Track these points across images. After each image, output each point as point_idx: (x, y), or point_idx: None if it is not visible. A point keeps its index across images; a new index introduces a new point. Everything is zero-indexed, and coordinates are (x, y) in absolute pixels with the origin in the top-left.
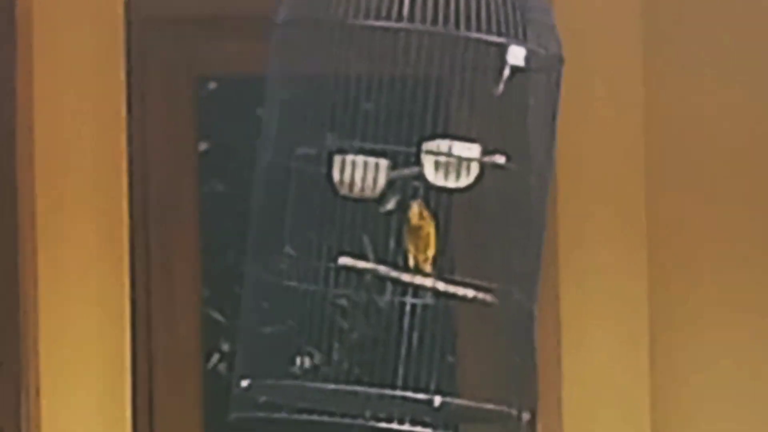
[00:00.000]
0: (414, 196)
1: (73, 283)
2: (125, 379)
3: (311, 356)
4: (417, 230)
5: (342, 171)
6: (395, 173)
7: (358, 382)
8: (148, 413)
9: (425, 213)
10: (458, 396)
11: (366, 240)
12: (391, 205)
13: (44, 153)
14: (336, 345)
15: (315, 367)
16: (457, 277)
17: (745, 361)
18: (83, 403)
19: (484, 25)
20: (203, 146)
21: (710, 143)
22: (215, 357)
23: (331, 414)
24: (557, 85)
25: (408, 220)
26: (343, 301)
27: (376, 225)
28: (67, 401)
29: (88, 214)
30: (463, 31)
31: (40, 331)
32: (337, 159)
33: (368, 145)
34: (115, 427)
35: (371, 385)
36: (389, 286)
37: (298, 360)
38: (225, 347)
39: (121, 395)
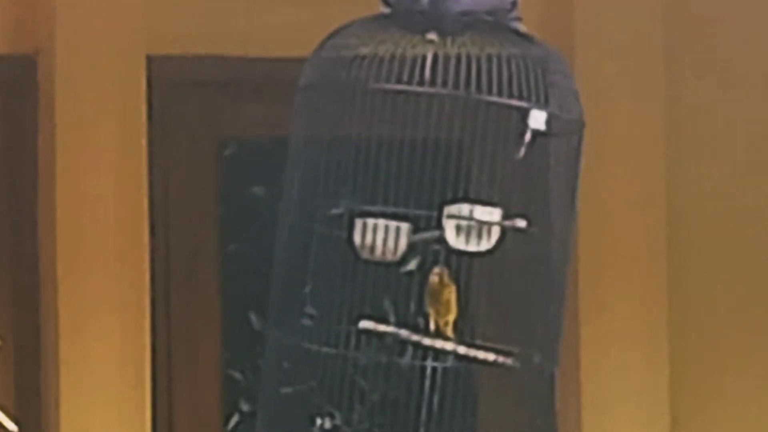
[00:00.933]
0: (435, 261)
1: (95, 345)
2: None
3: (332, 417)
4: (438, 294)
5: (363, 234)
6: (416, 237)
7: None
8: None
9: (446, 278)
10: None
11: (387, 303)
12: (411, 267)
13: (67, 215)
14: (357, 406)
15: (335, 428)
16: (478, 341)
17: None
18: None
19: (505, 89)
20: (224, 208)
21: (733, 201)
22: (235, 417)
23: None
24: (578, 148)
25: (429, 285)
26: (364, 361)
27: (397, 288)
28: None
29: (110, 276)
30: (484, 95)
31: (61, 393)
32: (359, 222)
33: (390, 209)
34: None
35: None
36: (410, 349)
37: (318, 420)
38: (245, 407)
39: None
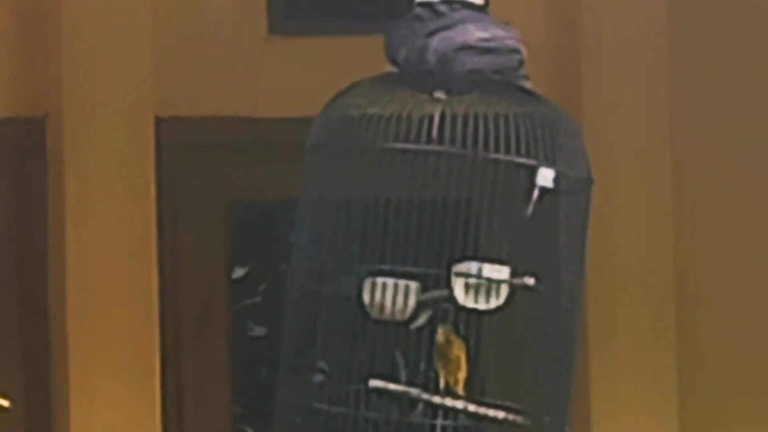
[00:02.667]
0: (444, 319)
1: (106, 406)
2: None
3: None
4: (446, 353)
5: (372, 294)
6: (425, 295)
7: None
8: None
9: (452, 336)
10: None
11: (398, 360)
12: (422, 322)
13: (76, 278)
14: None
15: None
16: (488, 399)
17: None
18: None
19: (513, 147)
20: (238, 273)
21: (740, 262)
22: None
23: None
24: (586, 206)
25: (436, 343)
26: (375, 415)
27: (407, 347)
28: None
29: (120, 335)
30: (492, 153)
31: None
32: (368, 282)
33: (398, 268)
34: None
35: None
36: (420, 408)
37: None
38: None
39: None
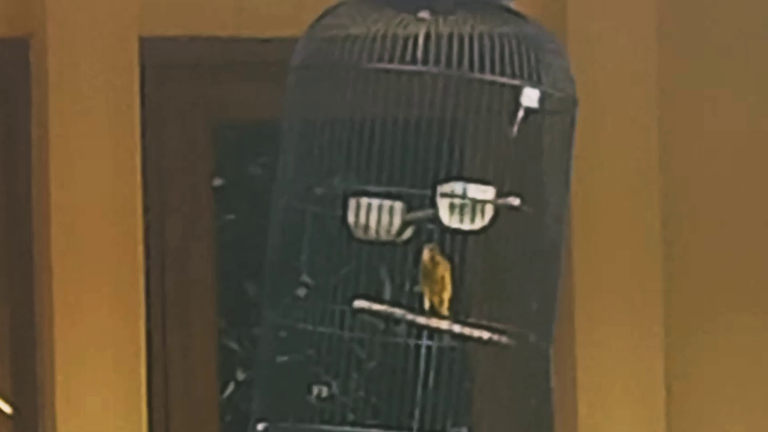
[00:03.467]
0: (429, 239)
1: (89, 316)
2: (142, 411)
3: (328, 385)
4: (431, 273)
5: (357, 214)
6: (410, 216)
7: (374, 425)
8: None
9: (437, 257)
10: None
11: (384, 280)
12: (407, 236)
13: (60, 195)
14: (353, 375)
15: (332, 396)
16: (473, 320)
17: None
18: None
19: (498, 68)
20: (218, 182)
21: (724, 183)
22: (231, 387)
23: None
24: (572, 126)
25: (421, 263)
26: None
27: (392, 268)
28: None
29: (105, 248)
30: (477, 74)
31: (56, 369)
32: (352, 202)
33: (383, 188)
34: None
35: (387, 427)
36: (404, 328)
37: (315, 389)
38: (241, 377)
39: (138, 427)
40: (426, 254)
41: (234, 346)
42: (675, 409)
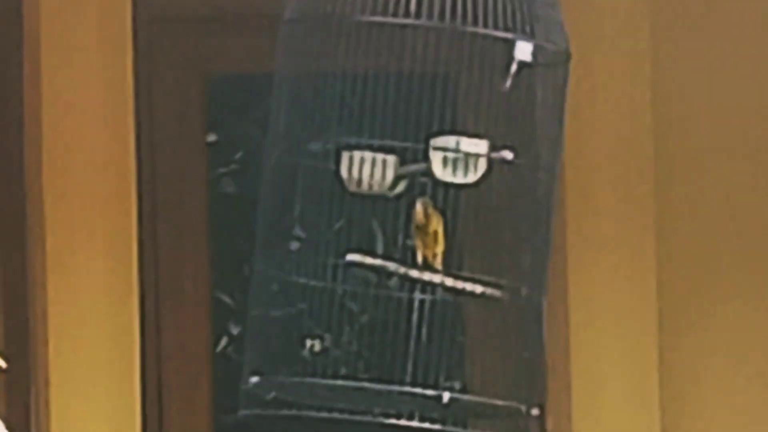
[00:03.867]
0: (422, 193)
1: (82, 270)
2: (134, 364)
3: (321, 339)
4: (424, 227)
5: (350, 167)
6: (403, 169)
7: (367, 379)
8: (157, 398)
9: (430, 210)
10: (467, 392)
11: (377, 233)
12: (400, 190)
13: (53, 149)
14: (346, 328)
15: (325, 350)
16: (466, 273)
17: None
18: (93, 389)
19: (491, 21)
20: (211, 137)
21: (718, 141)
22: (224, 340)
23: (340, 411)
24: (565, 80)
25: (414, 216)
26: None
27: (384, 221)
28: (77, 389)
29: (98, 201)
30: (469, 27)
31: (49, 321)
32: (345, 155)
33: (376, 142)
34: (124, 413)
35: (380, 381)
36: (398, 282)
37: (308, 343)
38: (234, 331)
39: (130, 380)
40: (419, 207)
41: (227, 299)
42: (667, 361)
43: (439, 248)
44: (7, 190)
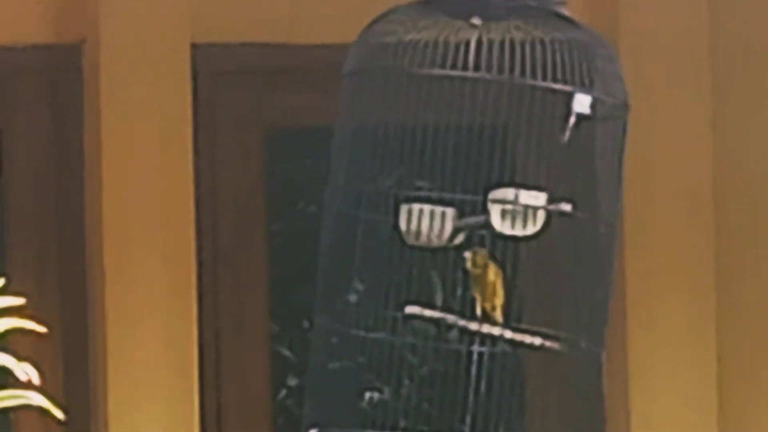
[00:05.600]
0: (481, 246)
1: (142, 324)
2: (194, 418)
3: (380, 391)
4: (481, 278)
5: (409, 220)
6: (462, 222)
7: (426, 431)
8: None
9: (481, 260)
10: None
11: (436, 286)
12: (459, 240)
13: (112, 203)
14: (405, 381)
15: (384, 403)
16: (525, 325)
17: None
18: None
19: (550, 74)
20: (271, 188)
21: None
22: (283, 392)
23: None
24: (623, 132)
25: (470, 268)
26: (411, 341)
27: (443, 274)
28: None
29: (158, 255)
30: (529, 80)
31: (108, 375)
32: (404, 208)
33: (435, 194)
34: None
35: None
36: (456, 334)
37: (367, 395)
38: (292, 383)
39: None
40: (468, 255)
41: (286, 352)
42: (727, 416)
43: (498, 300)
44: (69, 245)
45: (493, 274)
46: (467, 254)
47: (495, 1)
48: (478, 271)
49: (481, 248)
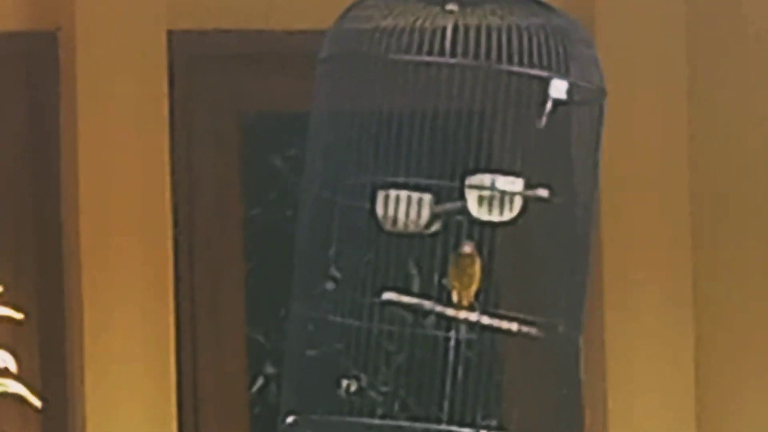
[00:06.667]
0: (458, 232)
1: (118, 311)
2: (171, 405)
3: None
4: (462, 266)
5: (386, 206)
6: (439, 208)
7: (404, 418)
8: None
9: (475, 254)
10: (504, 430)
11: (413, 272)
12: (436, 228)
13: (89, 189)
14: (382, 368)
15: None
16: (502, 311)
17: None
18: (130, 431)
19: (526, 59)
20: (246, 177)
21: (757, 171)
22: (260, 380)
23: None
24: (600, 117)
25: (457, 256)
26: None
27: (420, 260)
28: (114, 428)
29: (134, 241)
30: (505, 65)
31: (85, 361)
32: (381, 194)
33: (412, 180)
34: None
35: (416, 420)
36: (432, 320)
37: (344, 382)
38: (270, 371)
39: (168, 422)
40: (468, 249)
41: (262, 339)
42: (704, 401)
43: (475, 287)
44: (45, 232)
45: (476, 263)
46: (468, 246)
47: None
48: (467, 260)
49: (468, 239)
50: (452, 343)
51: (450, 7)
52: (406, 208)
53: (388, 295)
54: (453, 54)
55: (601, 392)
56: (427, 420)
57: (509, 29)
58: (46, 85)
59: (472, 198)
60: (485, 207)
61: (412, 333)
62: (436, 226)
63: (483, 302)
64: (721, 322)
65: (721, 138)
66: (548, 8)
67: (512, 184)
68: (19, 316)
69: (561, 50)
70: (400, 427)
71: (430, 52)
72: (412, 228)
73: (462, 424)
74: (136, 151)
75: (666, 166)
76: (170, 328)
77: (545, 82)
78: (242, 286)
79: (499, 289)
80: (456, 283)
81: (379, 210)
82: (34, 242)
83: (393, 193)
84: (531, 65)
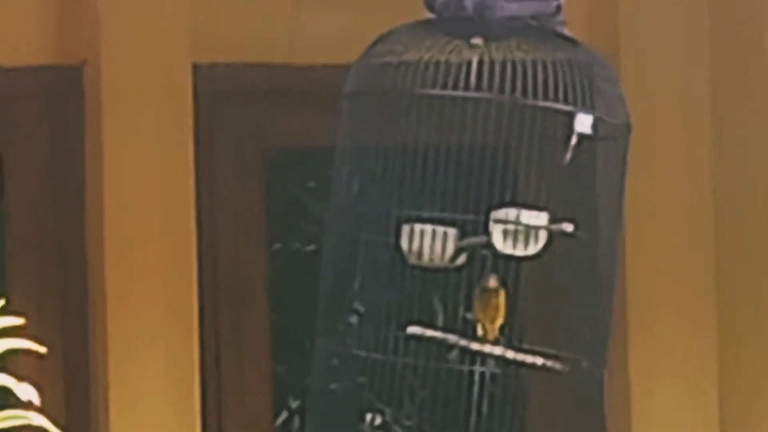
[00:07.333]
0: (483, 266)
1: (143, 346)
2: None
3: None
4: (487, 299)
5: (410, 240)
6: (463, 242)
7: None
8: None
9: (500, 287)
10: None
11: (437, 306)
12: (461, 262)
13: (114, 225)
14: (406, 402)
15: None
16: (526, 345)
17: None
18: None
19: (551, 94)
20: (270, 212)
21: None
22: (284, 414)
23: None
24: (625, 152)
25: (482, 290)
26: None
27: (445, 294)
28: None
29: (159, 276)
30: (530, 100)
31: (110, 396)
32: (406, 228)
33: (437, 214)
34: None
35: None
36: (456, 354)
37: (368, 417)
38: (293, 404)
39: None
40: (493, 282)
41: (287, 374)
42: None
43: (500, 320)
44: (71, 266)
45: (501, 297)
46: (493, 279)
47: (496, 22)
48: (493, 294)
49: (493, 273)
50: (476, 377)
51: (475, 41)
52: (430, 242)
53: (412, 329)
54: (478, 88)
55: (625, 427)
56: None
57: (534, 63)
58: (71, 119)
59: (496, 232)
60: (510, 241)
61: (437, 367)
62: (460, 260)
63: (508, 336)
64: (746, 358)
65: (745, 173)
66: (573, 42)
67: (537, 218)
68: (42, 349)
69: (586, 85)
70: None
71: (455, 87)
72: (436, 262)
73: None
74: (160, 184)
75: (690, 201)
76: (194, 363)
77: (570, 117)
78: (266, 320)
79: (523, 324)
80: (481, 317)
81: (404, 244)
82: (58, 275)
83: (418, 227)
84: (556, 100)
